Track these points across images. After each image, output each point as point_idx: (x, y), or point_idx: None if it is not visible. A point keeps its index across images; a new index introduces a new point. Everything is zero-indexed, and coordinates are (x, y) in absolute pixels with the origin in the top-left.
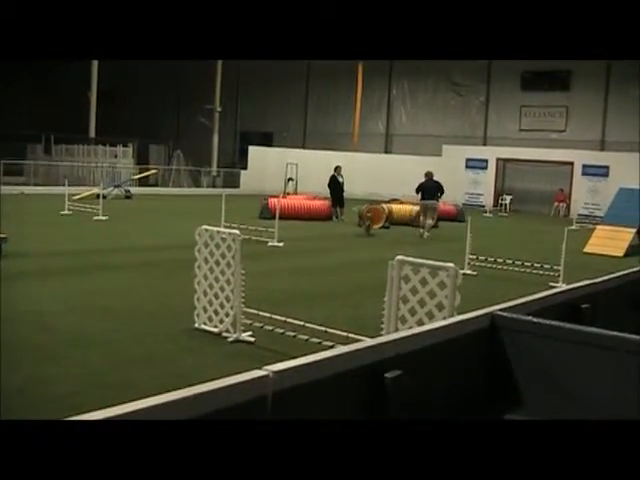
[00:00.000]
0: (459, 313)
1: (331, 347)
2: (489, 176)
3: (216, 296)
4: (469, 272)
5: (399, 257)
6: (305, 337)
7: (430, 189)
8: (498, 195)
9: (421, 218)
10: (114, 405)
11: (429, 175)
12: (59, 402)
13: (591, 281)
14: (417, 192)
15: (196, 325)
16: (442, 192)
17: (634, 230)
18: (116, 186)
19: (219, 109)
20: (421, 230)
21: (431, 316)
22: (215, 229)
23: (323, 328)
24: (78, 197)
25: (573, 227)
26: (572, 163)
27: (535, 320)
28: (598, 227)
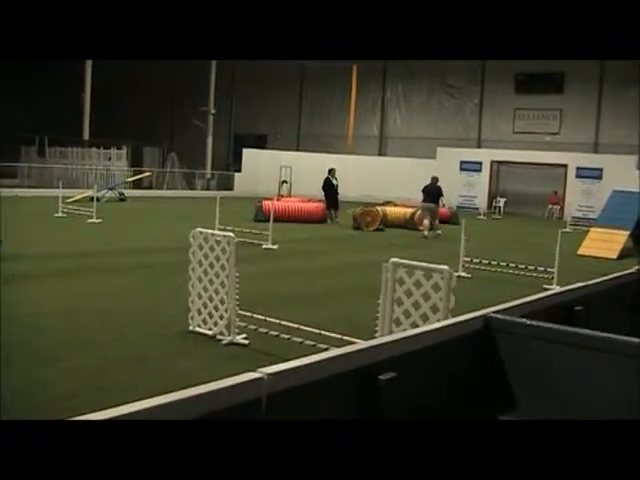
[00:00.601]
0: (453, 315)
1: (325, 349)
2: (483, 178)
3: (210, 299)
4: (463, 274)
5: (393, 259)
6: (299, 339)
7: (432, 193)
8: (492, 197)
9: (424, 221)
10: (111, 407)
11: (434, 179)
12: (57, 404)
13: (585, 283)
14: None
15: (190, 328)
16: (441, 196)
17: (628, 232)
18: (110, 189)
19: (213, 111)
20: (428, 232)
21: (425, 318)
22: (209, 231)
23: (317, 330)
24: (72, 200)
25: (567, 229)
26: (566, 165)
27: (529, 322)
28: (592, 229)
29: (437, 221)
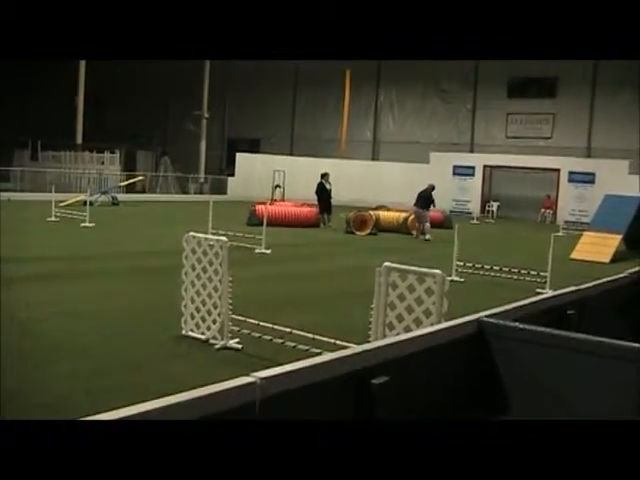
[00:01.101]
0: (447, 319)
1: (318, 354)
2: (476, 183)
3: (203, 303)
4: (456, 278)
5: (387, 264)
6: (292, 344)
7: (423, 198)
8: (485, 202)
9: (416, 225)
10: (105, 410)
11: (430, 187)
12: (51, 408)
13: (577, 287)
14: None
15: (183, 332)
16: (432, 203)
17: (620, 236)
18: (103, 193)
19: (207, 115)
20: (426, 236)
21: (418, 322)
22: (202, 236)
23: (311, 335)
24: (65, 204)
25: (560, 233)
26: (558, 170)
27: (521, 326)
28: (585, 233)
29: (426, 225)
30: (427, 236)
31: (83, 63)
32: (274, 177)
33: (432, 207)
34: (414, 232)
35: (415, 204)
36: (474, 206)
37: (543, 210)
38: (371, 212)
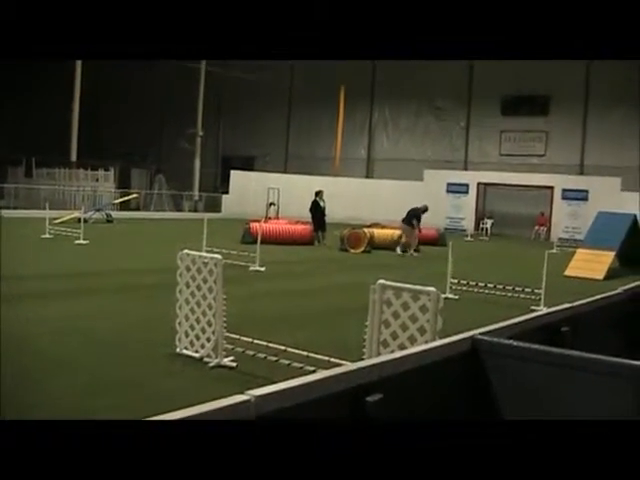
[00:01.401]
0: (441, 337)
1: (313, 371)
2: (470, 200)
3: (197, 321)
4: (451, 296)
5: (381, 281)
6: (287, 361)
7: (409, 215)
8: (479, 219)
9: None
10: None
11: (422, 206)
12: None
13: (571, 304)
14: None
15: (178, 350)
16: (418, 220)
17: (613, 253)
18: (97, 210)
19: (201, 133)
20: (397, 250)
21: (413, 340)
22: (197, 253)
23: (305, 352)
24: (59, 221)
25: (554, 250)
26: (552, 187)
27: (515, 343)
28: (578, 250)
29: (408, 241)
30: (397, 251)
31: (78, 79)
32: (268, 195)
33: (416, 224)
34: (408, 249)
35: (403, 220)
36: (468, 223)
37: (537, 227)
38: (365, 230)
